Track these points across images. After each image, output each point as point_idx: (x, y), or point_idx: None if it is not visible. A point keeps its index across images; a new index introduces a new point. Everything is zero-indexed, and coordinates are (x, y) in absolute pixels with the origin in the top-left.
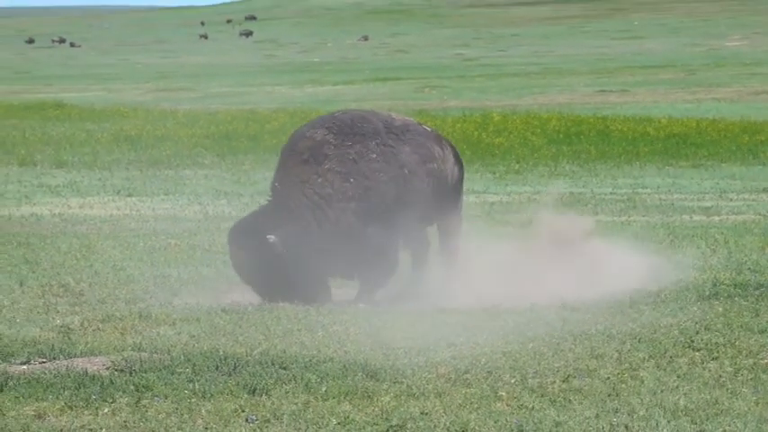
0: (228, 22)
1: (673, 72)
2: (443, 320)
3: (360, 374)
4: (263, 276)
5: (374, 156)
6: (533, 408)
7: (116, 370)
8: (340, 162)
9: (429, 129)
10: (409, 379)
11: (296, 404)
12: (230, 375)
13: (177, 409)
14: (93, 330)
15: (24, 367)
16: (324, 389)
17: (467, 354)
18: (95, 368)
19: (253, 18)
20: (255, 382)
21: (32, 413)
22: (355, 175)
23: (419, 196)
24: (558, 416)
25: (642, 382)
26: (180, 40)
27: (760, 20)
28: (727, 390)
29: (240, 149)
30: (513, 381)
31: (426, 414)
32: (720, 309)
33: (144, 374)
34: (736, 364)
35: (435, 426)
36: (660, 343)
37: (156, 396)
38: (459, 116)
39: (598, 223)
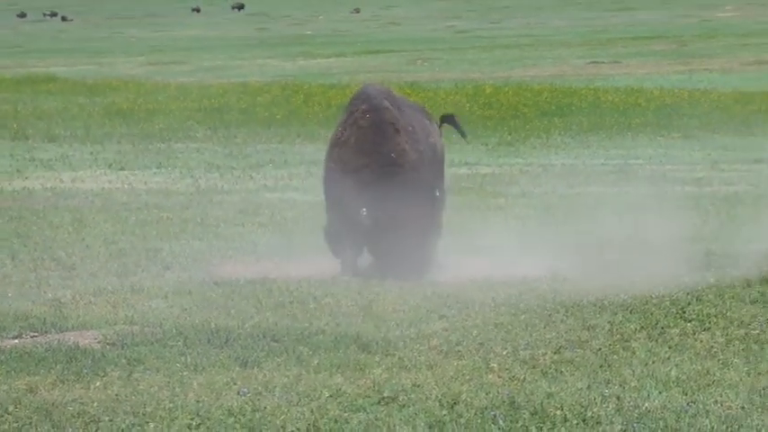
0: None
1: (665, 43)
2: (435, 293)
3: (352, 347)
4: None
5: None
6: (525, 379)
7: (107, 344)
8: (406, 133)
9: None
10: (401, 351)
11: (288, 377)
12: (222, 348)
13: (169, 382)
14: (85, 304)
15: (16, 341)
16: (316, 361)
17: (458, 326)
18: (87, 342)
19: None
20: (247, 354)
21: (24, 387)
22: (417, 142)
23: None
24: (550, 387)
25: (634, 353)
26: (172, 13)
27: None
28: (719, 360)
29: (232, 123)
30: (504, 353)
31: (418, 386)
32: (712, 279)
33: (135, 348)
34: (727, 334)
35: (427, 398)
36: (652, 314)
37: (148, 369)
38: (451, 88)
39: (589, 195)
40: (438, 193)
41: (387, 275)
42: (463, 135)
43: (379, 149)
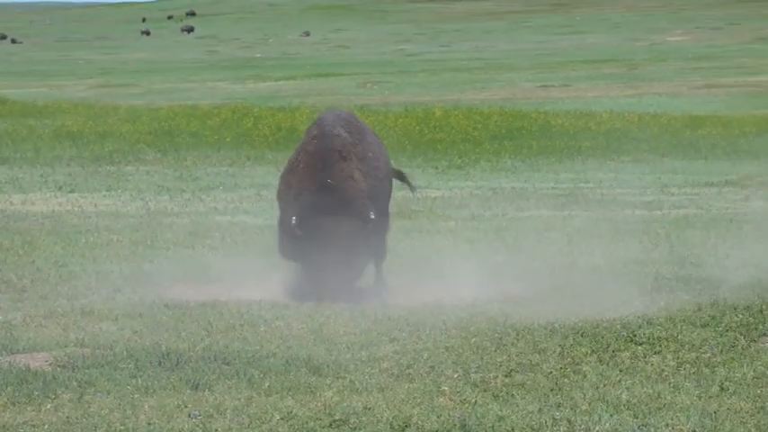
0: (170, 18)
1: (614, 67)
2: (386, 316)
3: (303, 370)
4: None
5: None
6: (476, 402)
7: (58, 366)
8: (360, 161)
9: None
10: (352, 374)
11: (239, 399)
12: (173, 371)
13: (120, 404)
14: (36, 326)
15: None
16: (267, 384)
17: (409, 349)
18: (38, 364)
19: (193, 14)
20: (198, 377)
21: None
22: (371, 172)
23: (389, 187)
24: (501, 410)
25: (585, 376)
26: (121, 36)
27: (701, 15)
28: (670, 384)
29: (182, 145)
30: (455, 376)
31: (369, 409)
32: (662, 303)
33: (86, 370)
34: (678, 357)
35: (378, 420)
36: (602, 337)
37: (99, 392)
38: (401, 111)
39: (539, 219)
40: (382, 220)
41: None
42: (412, 190)
43: (320, 174)
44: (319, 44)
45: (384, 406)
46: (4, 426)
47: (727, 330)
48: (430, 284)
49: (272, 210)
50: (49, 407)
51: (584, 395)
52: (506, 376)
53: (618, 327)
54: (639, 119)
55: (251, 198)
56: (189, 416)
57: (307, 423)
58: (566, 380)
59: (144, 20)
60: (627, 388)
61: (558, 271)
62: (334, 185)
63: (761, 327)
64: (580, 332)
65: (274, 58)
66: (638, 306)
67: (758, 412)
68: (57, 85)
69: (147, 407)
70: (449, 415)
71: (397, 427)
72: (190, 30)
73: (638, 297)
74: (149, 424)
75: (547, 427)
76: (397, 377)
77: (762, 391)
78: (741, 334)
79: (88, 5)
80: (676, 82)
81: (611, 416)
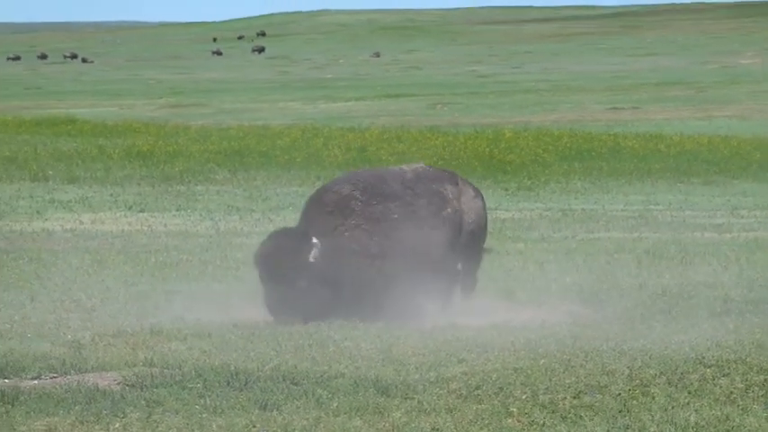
0: (240, 38)
1: (685, 89)
2: (455, 336)
3: (371, 390)
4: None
5: (396, 216)
6: (544, 424)
7: (127, 385)
8: (366, 219)
9: (440, 170)
10: (420, 395)
11: (307, 420)
12: (241, 391)
13: (188, 424)
14: (105, 345)
15: (35, 382)
16: (335, 404)
17: (478, 370)
18: (106, 383)
19: (263, 35)
20: (266, 397)
21: (43, 428)
22: (379, 233)
23: (438, 246)
24: None
25: (653, 398)
26: (192, 55)
27: None
28: (738, 406)
29: (252, 165)
30: (524, 397)
31: (437, 430)
32: (731, 325)
33: (155, 390)
34: (746, 380)
35: None
36: (671, 359)
37: (167, 411)
38: (470, 133)
39: (609, 240)
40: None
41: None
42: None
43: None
44: (390, 65)
45: (452, 427)
46: None
47: None
48: (499, 305)
49: None
50: (117, 426)
51: (653, 417)
52: (575, 398)
53: (686, 349)
54: (709, 141)
55: None
56: None
57: None
58: (634, 402)
59: (215, 39)
60: (695, 410)
61: (628, 293)
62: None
63: None
64: (649, 354)
65: (345, 78)
66: (706, 328)
67: None
68: (127, 104)
69: (215, 426)
70: None
71: None
72: (261, 50)
73: (707, 319)
74: None
75: None
76: (465, 398)
77: None
78: None
79: (159, 25)
80: (747, 104)
81: None
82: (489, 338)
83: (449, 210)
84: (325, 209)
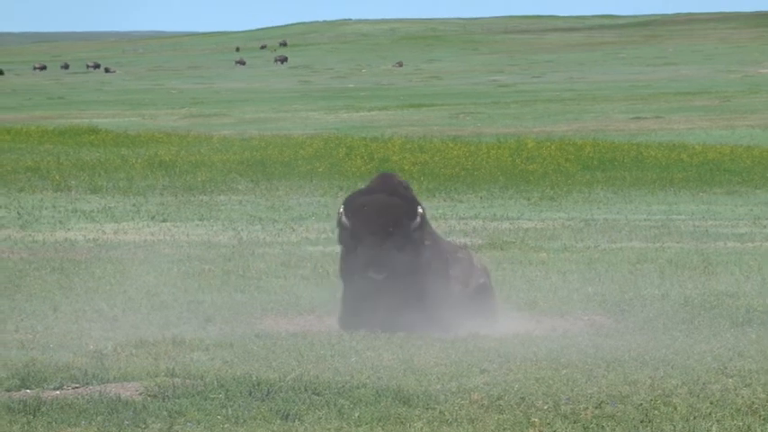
0: (263, 47)
1: (707, 99)
2: (476, 347)
3: (392, 400)
4: None
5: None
6: None
7: (149, 395)
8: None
9: None
10: (442, 405)
11: (329, 430)
12: (263, 401)
13: None
14: (127, 356)
15: (57, 392)
16: (357, 414)
17: (500, 380)
18: (128, 394)
19: (285, 44)
20: (288, 407)
21: None
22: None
23: None
24: None
25: (675, 408)
26: (214, 65)
27: None
28: (760, 417)
29: (274, 175)
30: (545, 407)
31: None
32: (754, 336)
33: (177, 400)
34: None
35: None
36: (693, 369)
37: (189, 422)
38: (493, 142)
39: (631, 250)
40: None
41: None
42: None
43: None
44: (412, 74)
45: None
46: None
47: None
48: (521, 315)
49: None
50: None
51: (675, 427)
52: (597, 408)
53: (709, 359)
54: (732, 151)
55: None
56: None
57: None
58: (656, 412)
59: (237, 49)
60: (717, 421)
61: (650, 303)
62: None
63: None
64: (671, 364)
65: (367, 88)
66: (729, 338)
67: None
68: (149, 114)
69: None
70: None
71: None
72: (283, 60)
73: (730, 329)
74: None
75: None
76: (487, 408)
77: None
78: None
79: (181, 35)
80: None
81: None
82: (511, 348)
83: None
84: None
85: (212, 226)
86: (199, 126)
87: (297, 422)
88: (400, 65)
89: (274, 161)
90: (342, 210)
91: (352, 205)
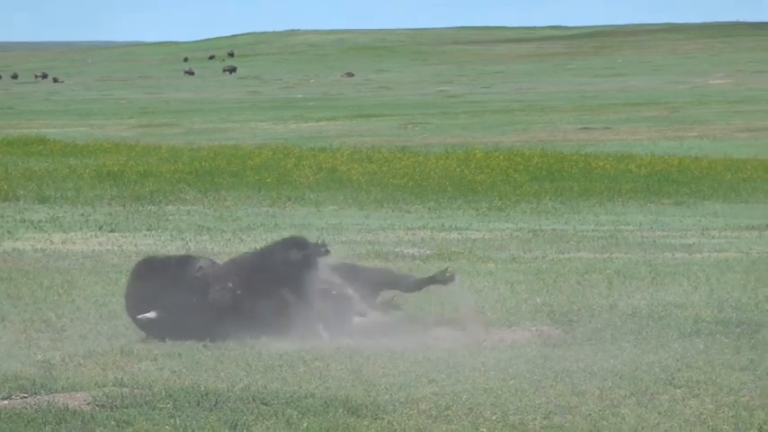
0: (212, 58)
1: (656, 109)
2: (425, 357)
3: (341, 410)
4: None
5: None
6: None
7: (97, 405)
8: None
9: None
10: (390, 415)
11: None
12: (211, 411)
13: None
14: (75, 366)
15: (5, 402)
16: (305, 425)
17: (448, 390)
18: (76, 403)
19: (232, 55)
20: (237, 417)
21: None
22: None
23: None
24: None
25: (623, 419)
26: (164, 75)
27: (743, 57)
28: (708, 427)
29: (223, 185)
30: (494, 417)
31: None
32: (701, 346)
33: (125, 410)
34: (716, 401)
35: None
36: (641, 380)
37: None
38: (441, 153)
39: (579, 261)
40: None
41: None
42: None
43: None
44: (361, 85)
45: None
46: None
47: (767, 374)
48: (469, 326)
49: None
50: None
51: None
52: (545, 418)
53: (657, 370)
54: (680, 162)
55: None
56: None
57: None
58: (604, 422)
59: (186, 59)
60: (665, 431)
61: (598, 313)
62: None
63: None
64: (619, 375)
65: (316, 98)
66: (677, 349)
67: None
68: (98, 124)
69: None
70: None
71: None
72: (232, 70)
73: (678, 340)
74: None
75: None
76: (435, 419)
77: None
78: None
79: (130, 45)
80: (717, 125)
81: None
82: (459, 359)
83: None
84: None
85: (160, 236)
86: (147, 136)
87: None
88: (351, 75)
89: (223, 171)
90: None
91: None
